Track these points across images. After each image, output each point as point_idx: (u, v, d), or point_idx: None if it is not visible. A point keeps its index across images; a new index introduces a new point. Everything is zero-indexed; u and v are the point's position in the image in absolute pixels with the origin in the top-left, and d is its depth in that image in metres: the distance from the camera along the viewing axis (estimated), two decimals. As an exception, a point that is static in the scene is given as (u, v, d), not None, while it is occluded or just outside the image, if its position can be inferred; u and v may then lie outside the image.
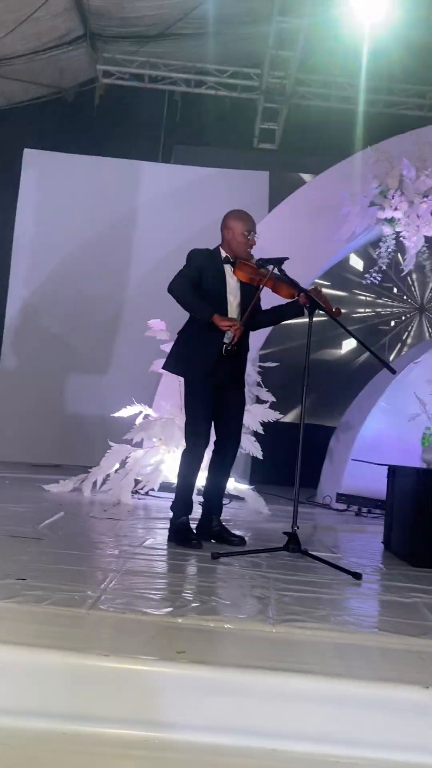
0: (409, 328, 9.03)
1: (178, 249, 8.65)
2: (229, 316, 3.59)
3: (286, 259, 3.54)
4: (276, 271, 3.50)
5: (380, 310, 9.08)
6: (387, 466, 4.18)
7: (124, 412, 5.66)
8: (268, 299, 3.72)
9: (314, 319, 3.45)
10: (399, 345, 8.95)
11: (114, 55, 8.67)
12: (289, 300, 3.63)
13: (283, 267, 3.51)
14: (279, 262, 3.52)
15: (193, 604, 2.34)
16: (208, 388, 3.64)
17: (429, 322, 9.12)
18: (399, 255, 6.74)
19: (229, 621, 2.19)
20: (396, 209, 6.06)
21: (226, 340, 3.50)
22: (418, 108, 8.51)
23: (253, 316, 3.63)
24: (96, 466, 5.44)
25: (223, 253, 3.69)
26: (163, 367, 3.85)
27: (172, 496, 5.35)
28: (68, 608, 2.15)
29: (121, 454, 5.41)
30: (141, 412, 5.66)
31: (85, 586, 2.46)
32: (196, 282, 3.61)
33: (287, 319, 3.78)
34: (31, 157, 8.83)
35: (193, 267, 3.63)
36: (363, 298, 8.99)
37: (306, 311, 3.43)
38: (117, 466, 5.41)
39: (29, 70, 8.85)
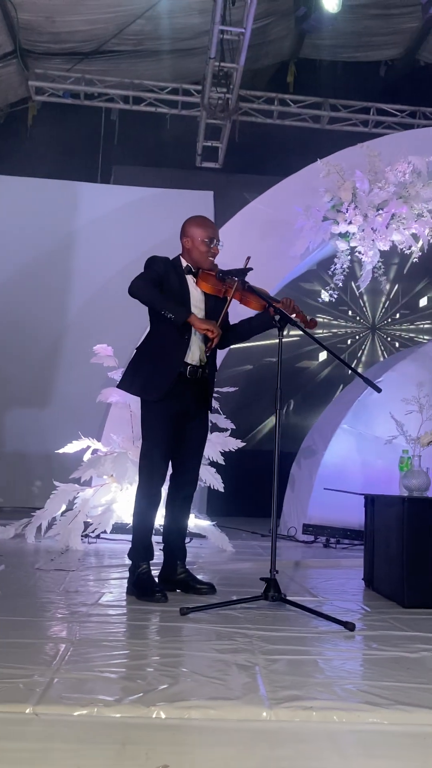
0: (363, 348, 8.82)
1: (122, 271, 8.24)
2: (191, 330, 3.18)
3: (250, 270, 3.18)
4: (240, 282, 3.12)
5: (336, 330, 8.86)
6: (364, 496, 3.81)
7: (70, 448, 5.15)
8: (235, 312, 3.33)
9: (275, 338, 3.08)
10: (354, 364, 8.72)
11: (46, 71, 8.28)
12: (258, 312, 3.25)
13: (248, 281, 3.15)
14: (243, 273, 3.15)
15: (165, 686, 1.88)
16: (170, 412, 3.21)
17: (381, 342, 8.94)
18: (352, 280, 6.53)
19: (215, 707, 1.74)
20: (350, 223, 5.81)
21: (193, 361, 3.09)
22: (363, 124, 8.40)
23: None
24: (40, 509, 4.90)
25: (184, 263, 3.29)
26: (119, 386, 3.38)
27: (127, 537, 4.90)
28: (8, 707, 1.67)
29: (67, 494, 4.89)
30: (89, 447, 5.16)
31: (32, 668, 1.98)
32: (158, 287, 3.18)
33: (257, 333, 3.39)
34: (-37, 180, 8.32)
35: (154, 272, 3.20)
36: (320, 319, 8.75)
37: (275, 323, 3.05)
38: (64, 507, 4.89)
39: (-44, 89, 8.40)
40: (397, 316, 8.90)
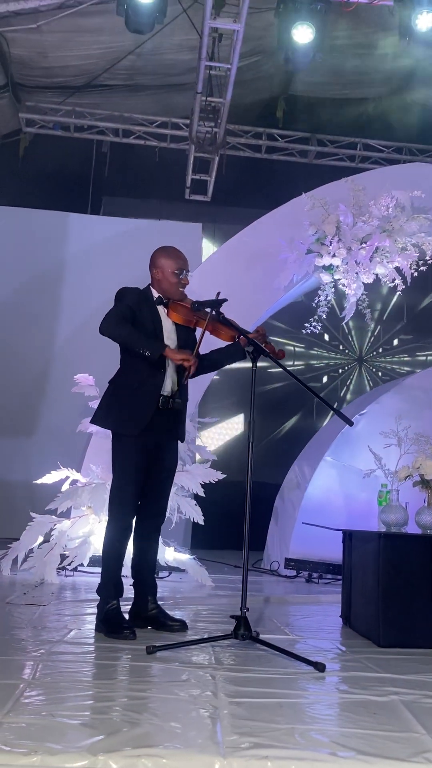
0: (351, 378, 8.81)
1: (110, 301, 8.26)
2: (167, 361, 3.16)
3: (225, 301, 3.16)
4: (214, 313, 3.10)
5: (314, 362, 8.85)
6: (342, 531, 3.75)
7: (49, 478, 5.08)
8: (207, 343, 3.31)
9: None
10: (342, 394, 8.70)
11: (38, 104, 8.39)
12: (229, 343, 3.23)
13: (223, 312, 3.13)
14: (217, 304, 3.14)
15: (117, 732, 1.81)
16: (142, 446, 3.16)
17: (368, 373, 8.94)
18: (335, 305, 6.56)
19: (167, 756, 1.67)
20: (334, 256, 5.83)
21: (166, 392, 3.07)
22: (350, 158, 8.50)
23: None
24: (17, 540, 4.81)
25: (155, 294, 3.28)
26: (92, 421, 3.33)
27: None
28: None
29: (44, 526, 4.81)
30: (68, 478, 5.09)
31: (-18, 711, 1.90)
32: (130, 322, 3.16)
33: (228, 363, 3.37)
34: None
35: (125, 306, 3.18)
36: (292, 348, 8.75)
37: (248, 355, 3.02)
38: (40, 539, 4.80)
39: None
40: (380, 350, 8.94)
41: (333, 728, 1.94)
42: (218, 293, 3.12)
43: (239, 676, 2.46)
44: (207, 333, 3.19)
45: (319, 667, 2.59)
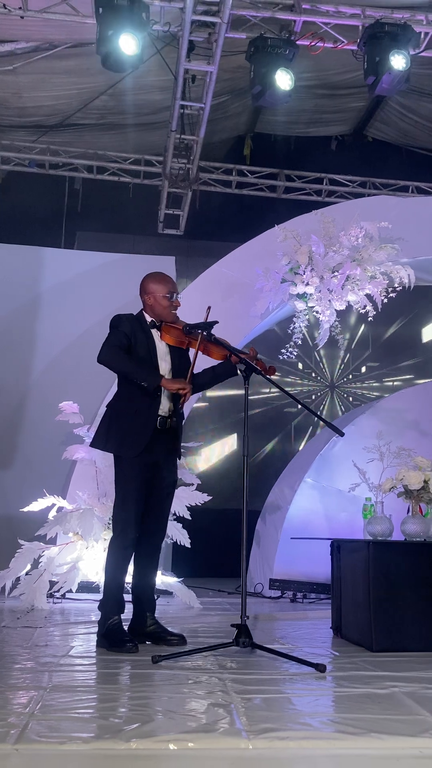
0: (323, 404, 9.02)
1: (85, 334, 8.36)
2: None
3: (216, 323, 3.32)
4: (205, 334, 3.26)
5: (288, 389, 9.04)
6: (330, 542, 3.88)
7: (35, 506, 5.11)
8: (199, 362, 3.46)
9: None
10: (311, 428, 8.87)
11: (13, 142, 8.57)
12: (220, 361, 3.39)
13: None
14: (208, 326, 3.30)
15: (139, 724, 1.89)
16: (143, 466, 3.27)
17: (339, 399, 9.17)
18: (306, 335, 6.81)
19: (193, 740, 1.77)
20: (308, 284, 6.06)
21: (163, 413, 3.20)
22: (316, 193, 8.84)
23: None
24: (4, 569, 4.82)
25: (148, 318, 3.42)
26: (92, 444, 3.43)
27: (93, 597, 4.85)
28: (-12, 745, 1.67)
29: (32, 552, 4.83)
30: (54, 505, 5.14)
31: (5, 714, 1.97)
32: (126, 348, 3.30)
33: (220, 381, 3.52)
34: None
35: (121, 333, 3.33)
36: (289, 379, 8.97)
37: (240, 373, 3.18)
38: (28, 567, 4.82)
39: None
40: (363, 370, 9.21)
41: (343, 714, 2.05)
42: (208, 308, 3.28)
43: (246, 677, 2.56)
44: (200, 353, 3.33)
45: (320, 668, 2.70)
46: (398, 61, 5.70)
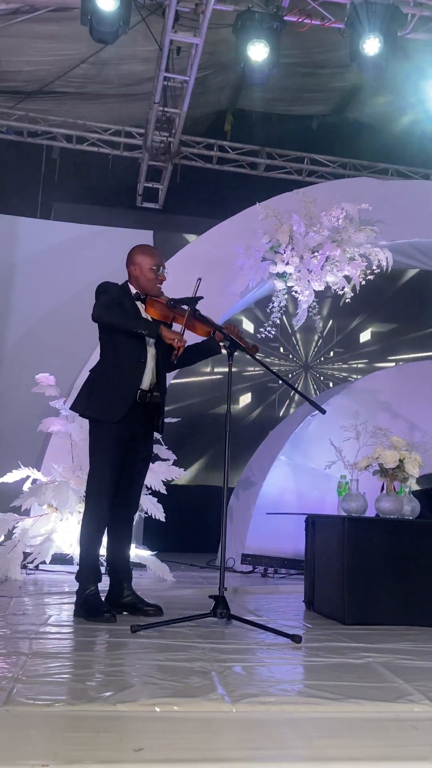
0: (296, 385, 9.11)
1: (61, 306, 8.27)
2: (147, 355, 3.30)
3: (201, 298, 3.33)
4: (190, 310, 3.27)
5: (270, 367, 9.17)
6: (305, 517, 3.95)
7: (9, 477, 5.10)
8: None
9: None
10: (288, 401, 9.01)
11: (-11, 108, 8.37)
12: (204, 338, 3.40)
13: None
14: (193, 301, 3.30)
15: (129, 687, 1.94)
16: (119, 437, 3.27)
17: (313, 380, 9.26)
18: (284, 318, 6.86)
19: (178, 704, 1.81)
20: (287, 264, 6.08)
21: (144, 386, 3.20)
22: (297, 172, 8.83)
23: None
24: (-24, 540, 4.82)
25: (133, 290, 3.41)
26: (71, 408, 3.42)
27: (66, 568, 4.87)
28: (-23, 707, 1.69)
29: (6, 524, 4.83)
30: (29, 477, 5.13)
31: (-9, 678, 1.99)
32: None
33: (203, 358, 3.55)
34: None
35: (111, 297, 3.31)
36: (249, 357, 9.01)
37: (224, 350, 3.20)
38: (2, 537, 4.82)
39: None
40: (331, 354, 9.29)
41: (321, 682, 2.12)
42: (198, 279, 3.28)
43: (224, 647, 2.61)
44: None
45: (296, 639, 2.76)
46: (371, 46, 5.72)
